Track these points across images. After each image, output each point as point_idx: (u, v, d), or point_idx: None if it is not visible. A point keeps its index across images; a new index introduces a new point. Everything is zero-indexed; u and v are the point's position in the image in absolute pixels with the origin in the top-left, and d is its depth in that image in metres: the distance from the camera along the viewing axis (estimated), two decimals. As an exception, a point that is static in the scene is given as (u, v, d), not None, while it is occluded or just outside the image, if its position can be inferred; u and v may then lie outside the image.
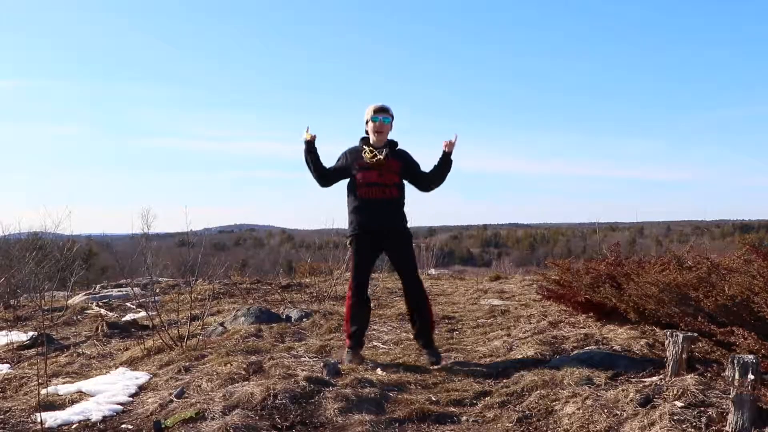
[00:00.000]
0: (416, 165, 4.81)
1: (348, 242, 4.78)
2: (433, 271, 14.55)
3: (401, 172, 4.69)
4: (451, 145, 4.75)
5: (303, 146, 4.73)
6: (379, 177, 4.59)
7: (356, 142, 4.81)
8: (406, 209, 4.81)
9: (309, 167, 4.74)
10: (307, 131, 4.71)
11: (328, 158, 4.79)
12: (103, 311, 8.53)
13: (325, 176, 4.75)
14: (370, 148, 4.63)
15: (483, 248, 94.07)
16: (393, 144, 4.76)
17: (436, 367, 4.59)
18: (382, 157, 4.57)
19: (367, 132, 4.75)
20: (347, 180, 4.74)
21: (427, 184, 4.84)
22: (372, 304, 5.11)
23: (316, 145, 4.75)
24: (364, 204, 4.63)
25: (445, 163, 4.78)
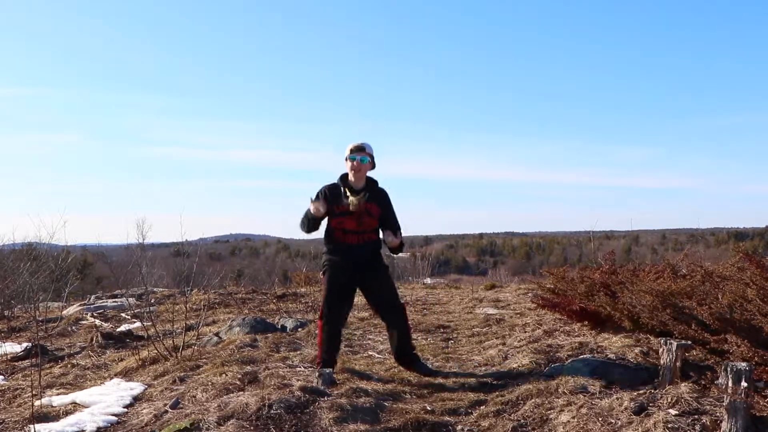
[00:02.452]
0: (391, 215, 4.74)
1: (321, 272, 4.79)
2: (428, 280, 14.57)
3: (379, 217, 4.67)
4: (393, 245, 4.69)
5: (308, 210, 4.58)
6: (357, 226, 4.58)
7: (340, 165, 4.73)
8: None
9: (304, 225, 4.69)
10: (315, 203, 4.52)
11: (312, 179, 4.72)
12: (97, 322, 8.50)
13: (316, 227, 4.72)
14: (350, 194, 4.55)
15: (479, 257, 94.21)
16: (372, 183, 4.71)
17: (430, 378, 4.58)
18: (361, 204, 4.52)
19: (345, 173, 4.68)
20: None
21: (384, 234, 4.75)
22: (367, 314, 5.10)
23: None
24: (341, 247, 4.64)
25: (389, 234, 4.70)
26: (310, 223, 4.65)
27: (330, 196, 4.61)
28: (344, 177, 4.67)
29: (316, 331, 4.88)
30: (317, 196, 4.60)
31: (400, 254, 4.93)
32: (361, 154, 4.60)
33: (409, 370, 4.71)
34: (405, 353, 4.75)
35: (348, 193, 4.57)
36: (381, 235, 4.72)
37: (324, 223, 4.70)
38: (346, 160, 4.64)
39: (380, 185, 4.76)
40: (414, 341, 6.02)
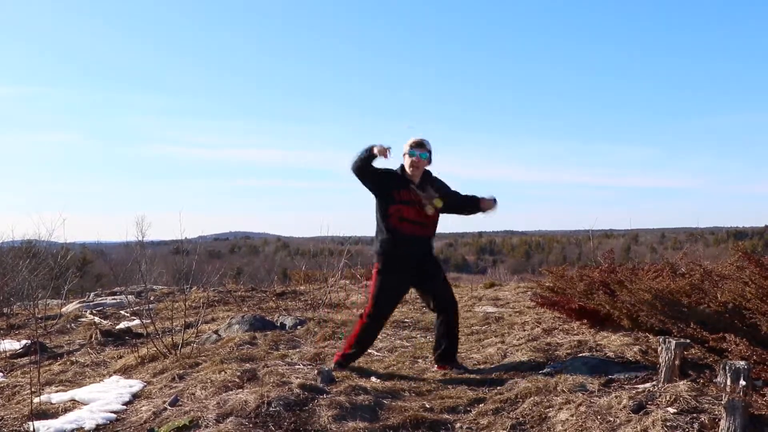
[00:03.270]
0: (455, 194, 4.74)
1: (374, 268, 4.63)
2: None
3: (442, 209, 4.63)
4: (488, 206, 4.75)
5: (372, 147, 4.40)
6: (417, 215, 4.51)
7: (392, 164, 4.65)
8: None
9: (357, 160, 4.46)
10: (384, 147, 4.40)
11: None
12: (97, 319, 8.50)
13: (365, 174, 4.53)
14: (425, 196, 4.49)
15: (478, 255, 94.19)
16: (430, 177, 4.68)
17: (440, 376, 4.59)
18: (437, 205, 4.49)
19: (402, 166, 4.64)
20: (379, 197, 4.60)
21: (459, 210, 4.82)
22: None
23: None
24: (399, 238, 4.52)
25: (473, 207, 4.77)
26: (364, 161, 4.43)
27: (389, 179, 4.57)
28: (402, 168, 4.63)
29: (353, 328, 4.72)
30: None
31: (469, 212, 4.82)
32: (421, 150, 4.58)
33: (448, 368, 4.68)
34: (451, 353, 4.74)
35: (424, 191, 4.50)
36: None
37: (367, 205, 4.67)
38: (405, 155, 4.60)
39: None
40: (414, 339, 6.03)
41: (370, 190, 4.61)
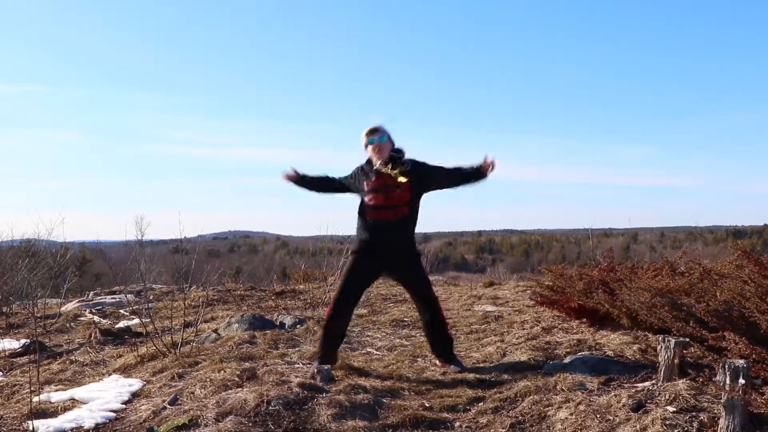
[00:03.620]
0: (433, 168, 4.64)
1: (350, 251, 4.74)
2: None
3: (410, 187, 4.51)
4: (488, 167, 4.55)
5: (289, 178, 4.72)
6: (385, 200, 4.49)
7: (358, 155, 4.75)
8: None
9: (307, 190, 4.78)
10: (285, 175, 4.71)
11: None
12: (96, 318, 8.50)
13: (325, 188, 4.78)
14: (389, 172, 4.48)
15: (477, 254, 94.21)
16: (400, 153, 4.62)
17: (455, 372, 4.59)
18: (397, 172, 4.44)
19: (369, 158, 4.64)
20: (357, 198, 4.69)
21: (452, 183, 4.67)
22: (366, 311, 5.11)
23: (301, 172, 4.80)
24: (370, 225, 4.56)
25: (475, 176, 4.61)
26: (304, 188, 4.74)
27: (358, 176, 4.64)
28: (369, 161, 4.65)
29: (323, 318, 4.78)
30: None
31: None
32: (378, 135, 4.58)
33: (443, 363, 4.71)
34: (442, 347, 4.72)
35: (383, 168, 4.51)
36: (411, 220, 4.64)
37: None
38: (366, 147, 4.62)
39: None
40: (414, 338, 6.03)
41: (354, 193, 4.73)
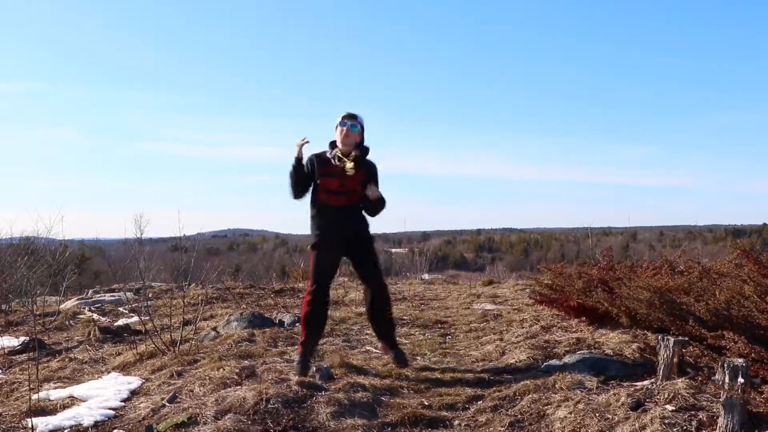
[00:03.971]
0: (376, 183, 4.71)
1: (310, 246, 4.68)
2: (426, 276, 14.56)
3: (363, 182, 4.60)
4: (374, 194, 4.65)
5: (293, 160, 4.55)
6: (340, 186, 4.54)
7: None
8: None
9: (291, 187, 4.62)
10: (302, 142, 4.53)
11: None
12: (95, 316, 8.50)
13: (303, 192, 4.68)
14: (340, 156, 4.54)
15: (477, 253, 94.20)
16: (364, 151, 4.68)
17: (404, 369, 4.61)
18: (350, 165, 4.49)
19: (335, 136, 4.66)
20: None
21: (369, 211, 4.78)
22: (365, 309, 5.10)
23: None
24: (326, 210, 4.59)
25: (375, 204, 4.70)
26: (294, 181, 4.57)
27: (318, 161, 4.61)
28: (332, 144, 4.67)
29: (300, 312, 4.80)
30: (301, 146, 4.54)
31: (377, 215, 4.75)
32: (351, 121, 4.60)
33: (386, 349, 4.80)
34: (385, 333, 4.81)
35: (340, 156, 4.54)
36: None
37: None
38: (336, 126, 4.63)
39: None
40: (413, 336, 6.03)
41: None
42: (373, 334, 5.19)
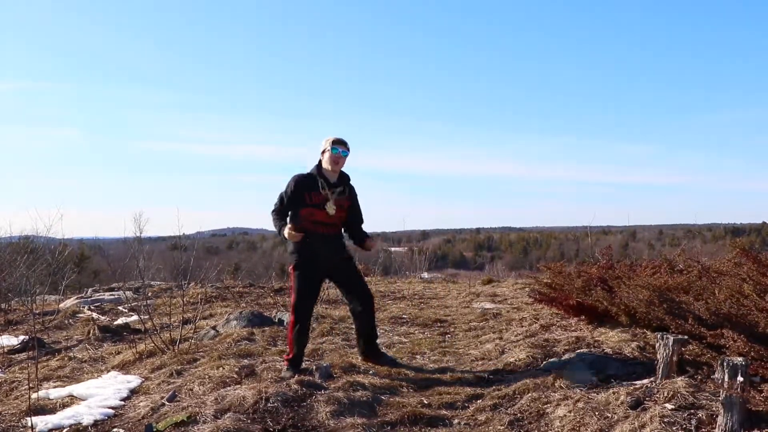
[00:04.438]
0: (357, 207, 4.86)
1: (290, 268, 4.69)
2: (425, 275, 14.55)
3: (348, 209, 4.73)
4: (372, 246, 5.04)
5: (282, 229, 4.57)
6: (327, 217, 4.56)
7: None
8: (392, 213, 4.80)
9: (276, 228, 4.67)
10: (295, 233, 4.52)
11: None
12: (94, 315, 8.49)
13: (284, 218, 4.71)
14: (326, 188, 4.57)
15: (476, 252, 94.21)
16: (345, 177, 4.74)
17: (402, 368, 4.64)
18: (332, 212, 4.57)
19: (320, 162, 4.66)
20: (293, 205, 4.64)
21: (351, 232, 4.92)
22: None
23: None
24: (311, 239, 4.55)
25: (359, 236, 4.91)
26: (279, 230, 4.63)
27: (303, 185, 4.58)
28: (319, 167, 4.66)
29: (287, 327, 4.90)
30: (297, 229, 4.53)
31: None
32: (343, 148, 4.65)
33: (375, 361, 4.77)
34: (374, 343, 4.88)
35: (326, 190, 4.57)
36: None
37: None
38: (324, 152, 4.64)
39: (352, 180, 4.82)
40: (412, 335, 6.03)
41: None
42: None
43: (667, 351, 3.71)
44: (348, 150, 4.68)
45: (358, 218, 4.88)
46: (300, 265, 4.59)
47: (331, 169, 4.62)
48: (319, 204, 4.55)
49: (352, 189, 4.79)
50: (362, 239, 4.89)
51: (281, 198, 4.60)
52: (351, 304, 4.89)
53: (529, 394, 3.82)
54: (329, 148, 4.61)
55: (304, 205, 4.56)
